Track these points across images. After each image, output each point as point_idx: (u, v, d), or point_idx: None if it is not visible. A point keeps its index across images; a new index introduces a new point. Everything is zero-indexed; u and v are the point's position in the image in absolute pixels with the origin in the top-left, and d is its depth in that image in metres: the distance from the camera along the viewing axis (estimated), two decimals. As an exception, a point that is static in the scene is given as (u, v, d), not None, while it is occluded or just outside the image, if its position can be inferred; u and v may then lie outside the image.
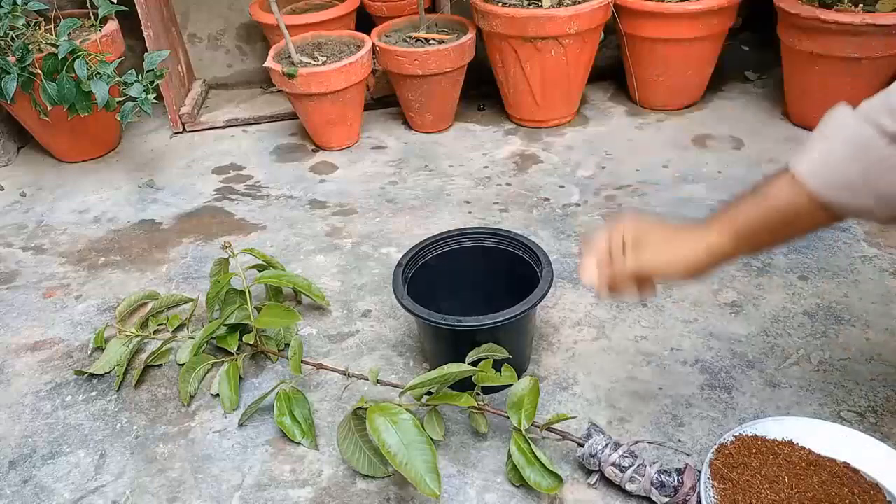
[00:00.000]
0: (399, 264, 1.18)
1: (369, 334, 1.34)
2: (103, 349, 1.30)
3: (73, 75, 1.69)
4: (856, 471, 0.92)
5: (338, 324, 1.37)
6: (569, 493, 1.00)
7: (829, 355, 1.20)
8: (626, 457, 0.96)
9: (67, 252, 1.68)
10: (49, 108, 1.73)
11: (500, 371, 1.08)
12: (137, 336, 1.32)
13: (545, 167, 1.88)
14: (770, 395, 1.13)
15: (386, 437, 0.93)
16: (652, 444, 1.05)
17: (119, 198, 1.90)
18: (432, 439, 0.98)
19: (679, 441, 1.07)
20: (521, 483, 1.00)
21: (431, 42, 2.01)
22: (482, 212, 1.69)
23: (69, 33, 1.74)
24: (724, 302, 1.33)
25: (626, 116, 2.11)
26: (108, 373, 1.27)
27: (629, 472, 0.95)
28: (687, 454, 1.04)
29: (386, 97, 2.23)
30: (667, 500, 0.94)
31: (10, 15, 1.73)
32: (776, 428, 0.97)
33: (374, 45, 2.00)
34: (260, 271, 1.36)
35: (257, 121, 2.26)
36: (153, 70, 1.74)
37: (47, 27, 1.92)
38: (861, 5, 1.76)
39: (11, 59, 1.73)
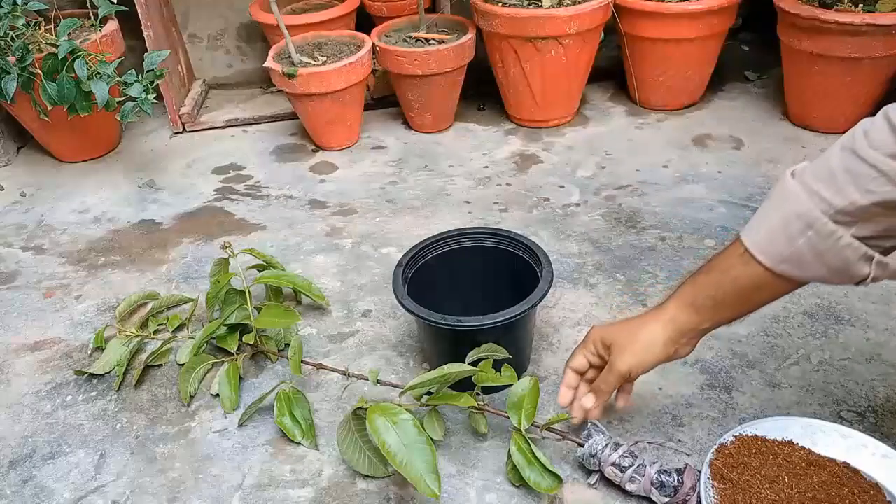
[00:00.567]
0: (399, 264, 1.18)
1: (369, 334, 1.34)
2: (103, 349, 1.30)
3: (73, 75, 1.69)
4: (856, 471, 0.92)
5: (338, 324, 1.37)
6: (569, 493, 1.00)
7: (829, 355, 1.20)
8: (626, 457, 0.96)
9: (67, 252, 1.68)
10: (49, 108, 1.73)
11: (500, 371, 1.08)
12: (137, 336, 1.32)
13: (545, 167, 1.88)
14: (770, 395, 1.13)
15: (386, 437, 0.93)
16: (652, 444, 1.05)
17: (119, 198, 1.90)
18: (432, 439, 0.97)
19: (679, 441, 1.07)
20: (520, 483, 1.00)
21: (431, 42, 2.01)
22: (482, 212, 1.69)
23: (69, 33, 1.74)
24: (724, 302, 1.33)
25: (626, 116, 2.11)
26: (108, 373, 1.27)
27: (629, 472, 0.95)
28: (687, 454, 1.04)
29: (386, 97, 2.23)
30: (667, 500, 0.94)
31: (10, 15, 1.73)
32: (776, 428, 0.97)
33: (374, 45, 2.00)
34: (260, 271, 1.36)
35: (257, 121, 2.26)
36: (153, 70, 1.74)
37: (47, 27, 1.92)
38: (861, 5, 1.76)
39: (11, 59, 1.73)
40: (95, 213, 1.83)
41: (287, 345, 1.28)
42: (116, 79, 1.72)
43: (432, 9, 2.29)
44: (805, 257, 0.76)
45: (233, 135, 2.20)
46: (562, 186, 1.78)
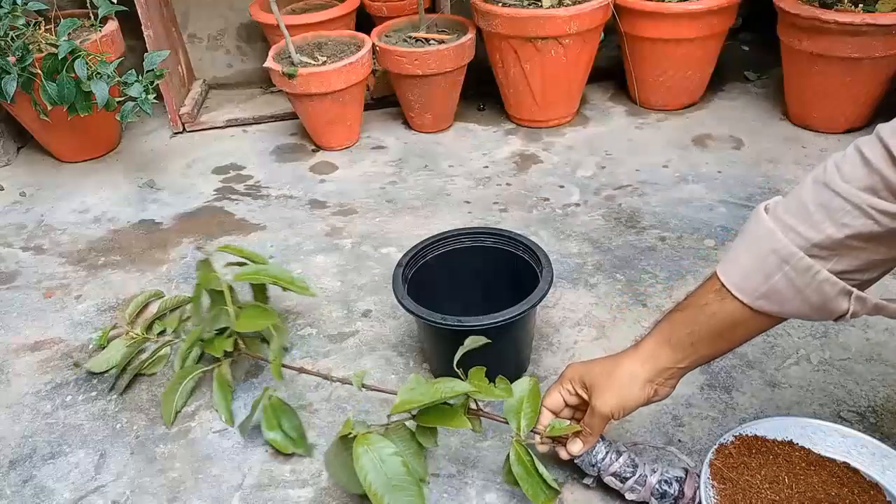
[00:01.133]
0: (399, 264, 1.18)
1: (369, 334, 1.34)
2: (105, 347, 1.30)
3: (73, 75, 1.69)
4: (856, 471, 0.92)
5: (338, 324, 1.37)
6: (568, 494, 1.00)
7: (829, 355, 1.20)
8: (628, 467, 0.95)
9: (67, 252, 1.68)
10: (49, 108, 1.73)
11: (494, 380, 1.05)
12: (143, 338, 1.31)
13: (545, 167, 1.88)
14: (770, 395, 1.13)
15: (372, 477, 0.88)
16: (652, 447, 1.04)
17: (119, 198, 1.90)
18: (424, 447, 0.96)
19: (679, 441, 1.07)
20: (517, 486, 0.99)
21: (431, 42, 2.01)
22: (482, 212, 1.69)
23: (69, 33, 1.74)
24: (724, 302, 1.33)
25: (626, 116, 2.11)
26: (105, 372, 1.27)
27: (630, 482, 0.94)
28: (686, 462, 1.04)
29: (386, 97, 2.23)
30: None
31: (10, 15, 1.73)
32: (776, 428, 0.97)
33: (374, 45, 2.00)
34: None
35: (257, 121, 2.26)
36: (153, 70, 1.74)
37: (47, 27, 1.92)
38: (861, 5, 1.76)
39: (11, 59, 1.73)
40: (95, 213, 1.83)
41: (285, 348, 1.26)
42: (116, 79, 1.72)
43: (432, 9, 2.29)
44: (783, 293, 0.75)
45: (233, 135, 2.20)
46: (562, 186, 1.78)
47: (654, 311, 1.32)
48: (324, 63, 1.93)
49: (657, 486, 0.94)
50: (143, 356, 1.29)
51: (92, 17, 1.97)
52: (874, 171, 0.68)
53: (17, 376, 1.32)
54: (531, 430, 0.96)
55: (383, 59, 1.99)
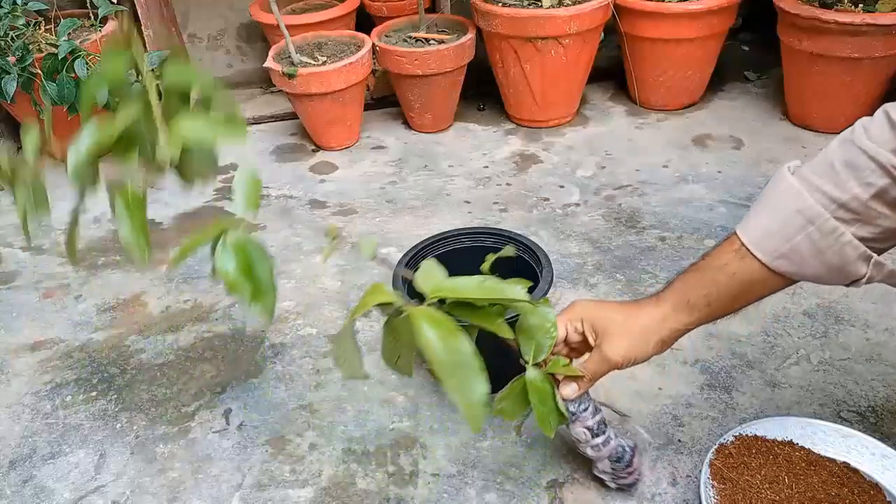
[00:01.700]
0: (399, 264, 1.18)
1: (369, 334, 1.34)
2: None
3: (73, 75, 1.69)
4: (856, 471, 0.92)
5: (338, 324, 1.37)
6: (569, 494, 1.00)
7: (829, 355, 1.20)
8: (602, 425, 0.94)
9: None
10: (49, 108, 1.73)
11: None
12: None
13: (545, 167, 1.88)
14: (770, 395, 1.13)
15: (439, 351, 0.77)
16: (617, 412, 1.02)
17: (119, 198, 1.90)
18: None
19: (679, 441, 1.07)
20: (508, 416, 0.91)
21: (431, 42, 2.01)
22: (482, 212, 1.69)
23: (69, 33, 1.74)
24: (724, 302, 1.33)
25: (626, 116, 2.11)
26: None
27: (598, 439, 0.94)
28: (687, 454, 1.04)
29: (386, 97, 2.23)
30: (611, 472, 0.95)
31: (10, 15, 1.73)
32: (776, 428, 0.97)
33: (374, 45, 2.00)
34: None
35: (257, 121, 2.26)
36: (153, 70, 1.74)
37: (47, 27, 1.92)
38: (861, 5, 1.76)
39: (11, 59, 1.73)
40: (95, 213, 1.83)
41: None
42: (116, 79, 1.72)
43: (432, 9, 2.29)
44: (804, 254, 0.76)
45: (233, 135, 2.20)
46: (562, 186, 1.78)
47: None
48: (324, 63, 1.93)
49: (616, 448, 0.95)
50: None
51: (92, 17, 1.97)
52: None
53: (16, 376, 1.32)
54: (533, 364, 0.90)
55: (383, 59, 1.99)
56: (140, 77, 0.78)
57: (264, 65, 1.95)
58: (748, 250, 0.79)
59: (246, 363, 1.29)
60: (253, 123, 2.25)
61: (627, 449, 0.95)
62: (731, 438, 0.96)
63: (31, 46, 1.77)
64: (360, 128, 2.10)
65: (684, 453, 1.05)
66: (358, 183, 1.88)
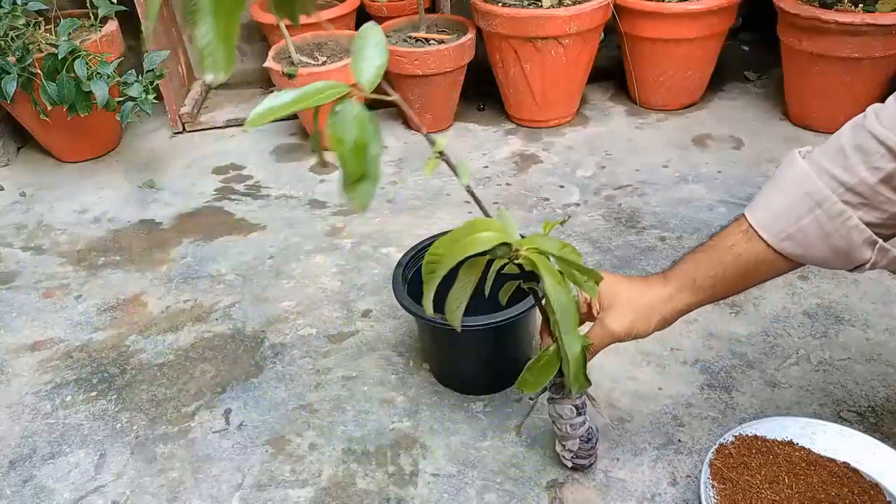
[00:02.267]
0: (399, 264, 1.18)
1: (369, 334, 1.34)
2: None
3: (73, 75, 1.69)
4: (856, 471, 0.92)
5: (338, 324, 1.37)
6: (568, 494, 1.00)
7: (829, 355, 1.20)
8: (584, 405, 0.96)
9: (67, 252, 1.68)
10: (49, 108, 1.73)
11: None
12: None
13: (545, 167, 1.88)
14: (770, 395, 1.13)
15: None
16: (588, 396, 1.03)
17: (119, 198, 1.90)
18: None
19: (679, 441, 1.07)
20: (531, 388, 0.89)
21: (431, 42, 2.01)
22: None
23: (69, 33, 1.74)
24: (724, 302, 1.33)
25: (626, 116, 2.11)
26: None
27: (580, 418, 0.96)
28: (687, 454, 1.04)
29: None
30: (576, 451, 0.98)
31: (10, 15, 1.73)
32: (776, 428, 0.97)
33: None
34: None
35: (257, 121, 2.25)
36: (153, 70, 1.75)
37: (47, 27, 1.92)
38: (861, 5, 1.76)
39: (11, 59, 1.73)
40: (95, 213, 1.83)
41: None
42: (116, 79, 1.72)
43: (432, 9, 2.29)
44: (810, 236, 0.77)
45: (233, 135, 2.20)
46: (562, 186, 1.78)
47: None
48: (324, 63, 1.93)
49: (588, 430, 0.98)
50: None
51: (92, 17, 1.97)
52: None
53: (16, 376, 1.32)
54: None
55: (383, 59, 1.99)
56: None
57: (264, 65, 1.95)
58: (755, 231, 0.81)
59: (246, 363, 1.29)
60: (253, 123, 2.25)
61: (595, 431, 0.99)
62: (731, 438, 0.96)
63: (31, 46, 1.77)
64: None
65: (684, 453, 1.05)
66: (358, 183, 1.87)
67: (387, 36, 2.08)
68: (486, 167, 1.89)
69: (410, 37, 2.05)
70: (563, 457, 1.01)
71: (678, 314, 0.89)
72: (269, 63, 1.93)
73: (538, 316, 1.29)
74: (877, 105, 0.75)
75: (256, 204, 1.82)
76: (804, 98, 1.92)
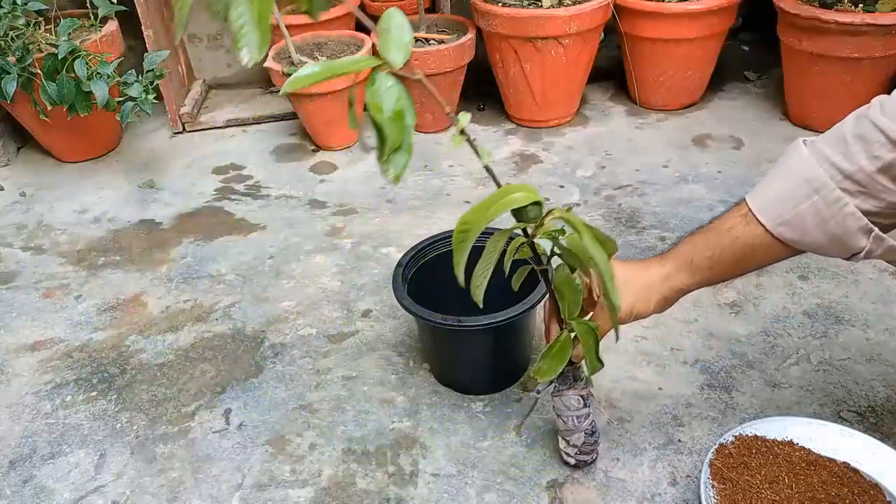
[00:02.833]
0: (399, 264, 1.18)
1: (369, 334, 1.34)
2: None
3: (73, 75, 1.69)
4: (856, 471, 0.92)
5: (338, 324, 1.37)
6: (568, 494, 1.00)
7: (829, 355, 1.20)
8: (588, 397, 0.97)
9: (67, 252, 1.68)
10: (49, 108, 1.73)
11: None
12: None
13: (545, 167, 1.88)
14: (770, 395, 1.13)
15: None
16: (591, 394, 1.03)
17: (119, 198, 1.90)
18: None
19: (679, 441, 1.07)
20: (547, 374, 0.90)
21: (431, 42, 2.01)
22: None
23: (69, 33, 1.74)
24: (724, 302, 1.33)
25: (626, 116, 2.11)
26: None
27: (586, 410, 0.97)
28: (687, 454, 1.04)
29: (386, 97, 2.23)
30: (580, 446, 0.98)
31: (10, 15, 1.73)
32: (776, 428, 0.97)
33: (374, 45, 2.00)
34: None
35: (257, 121, 2.26)
36: (153, 70, 1.75)
37: (47, 27, 1.92)
38: (861, 5, 1.76)
39: (11, 59, 1.73)
40: (95, 213, 1.83)
41: None
42: (116, 79, 1.72)
43: (432, 9, 2.29)
44: (807, 222, 0.78)
45: (233, 135, 2.20)
46: (562, 186, 1.78)
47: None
48: (324, 63, 1.93)
49: (591, 423, 0.99)
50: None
51: (92, 17, 1.97)
52: None
53: (16, 376, 1.32)
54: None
55: (383, 59, 1.99)
56: None
57: (264, 65, 1.95)
58: (754, 216, 0.82)
59: (246, 363, 1.29)
60: (253, 123, 2.25)
61: (596, 425, 1.00)
62: (731, 438, 0.96)
63: (31, 46, 1.77)
64: (360, 128, 2.10)
65: (684, 453, 1.05)
66: (358, 183, 1.88)
67: (387, 36, 2.08)
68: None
69: (410, 37, 2.05)
70: (567, 453, 1.01)
71: (677, 293, 0.90)
72: (269, 63, 1.93)
73: (538, 316, 1.29)
74: (882, 96, 0.76)
75: (256, 204, 1.82)
76: (804, 98, 1.92)
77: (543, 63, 1.94)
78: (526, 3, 1.96)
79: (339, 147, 2.05)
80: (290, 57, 1.94)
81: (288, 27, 1.93)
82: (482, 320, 1.04)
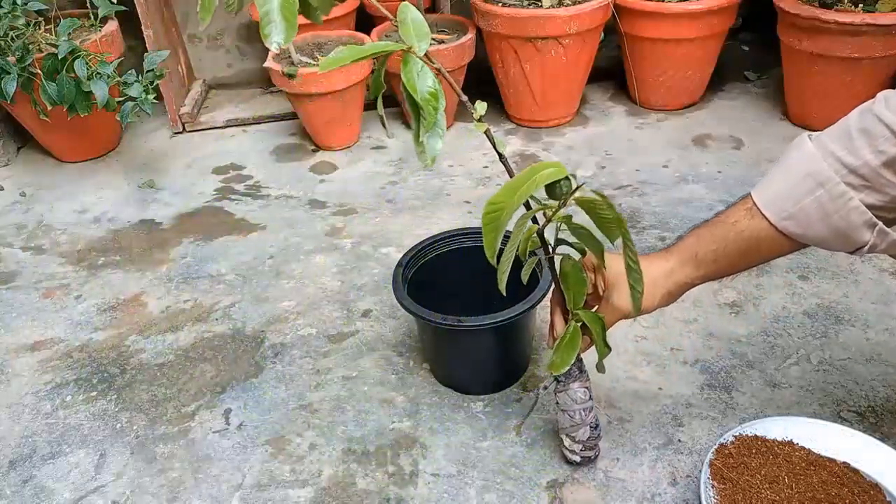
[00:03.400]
0: (399, 264, 1.18)
1: (369, 334, 1.34)
2: None
3: (73, 75, 1.69)
4: (856, 471, 0.92)
5: (338, 324, 1.37)
6: (568, 493, 1.00)
7: (829, 355, 1.20)
8: (591, 390, 0.98)
9: (67, 252, 1.68)
10: (49, 108, 1.73)
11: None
12: None
13: (545, 167, 1.87)
14: (770, 395, 1.13)
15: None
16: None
17: (119, 198, 1.90)
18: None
19: (679, 441, 1.07)
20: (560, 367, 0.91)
21: (431, 42, 2.01)
22: (482, 212, 1.69)
23: (69, 33, 1.74)
24: (724, 302, 1.33)
25: (626, 116, 2.11)
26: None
27: (589, 402, 0.98)
28: (687, 454, 1.04)
29: (386, 97, 2.23)
30: (585, 441, 0.99)
31: (10, 15, 1.73)
32: (776, 428, 0.97)
33: (374, 45, 2.00)
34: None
35: (257, 121, 2.26)
36: (153, 70, 1.74)
37: (47, 27, 1.92)
38: (861, 5, 1.76)
39: (11, 59, 1.73)
40: (95, 213, 1.83)
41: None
42: (116, 79, 1.72)
43: (432, 9, 2.29)
44: (811, 216, 0.78)
45: (233, 135, 2.20)
46: (562, 186, 1.77)
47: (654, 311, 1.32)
48: (324, 63, 1.93)
49: (595, 416, 0.99)
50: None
51: (92, 17, 1.97)
52: None
53: (16, 376, 1.32)
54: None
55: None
56: None
57: (264, 65, 1.95)
58: (758, 209, 0.82)
59: (246, 363, 1.29)
60: (253, 123, 2.25)
61: (598, 419, 1.00)
62: (731, 438, 0.96)
63: (31, 46, 1.77)
64: (360, 128, 2.10)
65: (684, 453, 1.05)
66: (358, 183, 1.88)
67: (386, 36, 2.08)
68: (486, 167, 1.89)
69: (410, 37, 2.05)
70: (572, 451, 1.01)
71: (681, 288, 0.89)
72: (269, 63, 1.93)
73: (538, 316, 1.29)
74: (888, 91, 0.76)
75: (256, 204, 1.82)
76: (804, 98, 1.92)
77: (543, 63, 1.94)
78: (526, 3, 1.96)
79: (339, 147, 2.05)
80: (290, 57, 1.94)
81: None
82: (482, 320, 1.04)
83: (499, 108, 2.17)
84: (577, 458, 1.01)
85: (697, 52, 2.01)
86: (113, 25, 2.02)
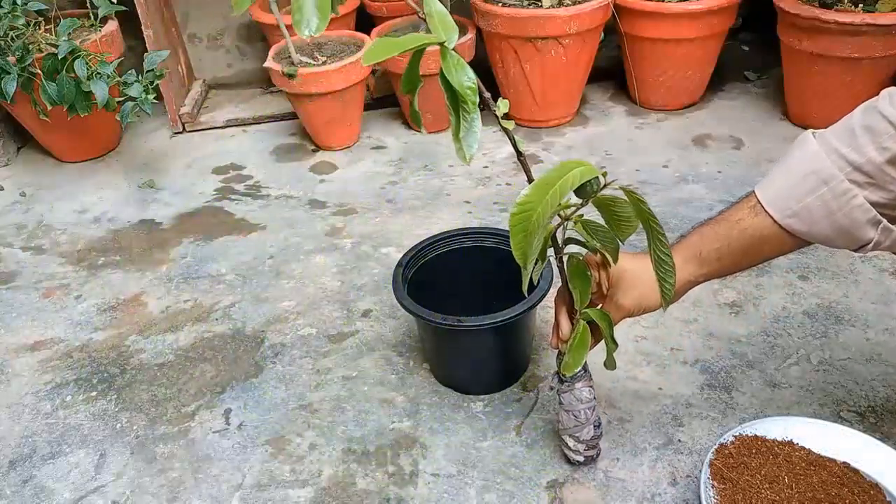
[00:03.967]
0: (399, 264, 1.18)
1: (369, 334, 1.34)
2: None
3: (73, 75, 1.69)
4: (856, 471, 0.92)
5: (338, 324, 1.37)
6: (568, 493, 1.00)
7: (829, 355, 1.20)
8: (594, 390, 0.99)
9: (67, 252, 1.68)
10: (49, 108, 1.73)
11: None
12: None
13: (545, 167, 1.87)
14: (770, 395, 1.13)
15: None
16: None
17: (119, 198, 1.90)
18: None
19: (679, 441, 1.07)
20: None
21: (431, 42, 2.01)
22: (482, 212, 1.69)
23: (69, 33, 1.74)
24: (724, 302, 1.33)
25: (626, 116, 2.11)
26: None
27: (594, 401, 0.98)
28: (687, 454, 1.04)
29: (386, 97, 2.23)
30: (588, 441, 0.99)
31: (10, 15, 1.73)
32: (776, 428, 0.97)
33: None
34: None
35: (257, 121, 2.26)
36: (153, 70, 1.74)
37: (47, 27, 1.92)
38: (861, 5, 1.76)
39: (11, 59, 1.73)
40: (95, 213, 1.83)
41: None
42: (116, 79, 1.72)
43: (432, 9, 2.28)
44: (815, 214, 0.78)
45: (233, 135, 2.20)
46: (562, 186, 1.77)
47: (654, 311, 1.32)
48: (324, 63, 1.93)
49: (598, 416, 1.00)
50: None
51: (92, 17, 1.97)
52: None
53: (16, 376, 1.32)
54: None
55: (383, 59, 1.99)
56: None
57: (264, 65, 1.95)
58: (762, 207, 0.82)
59: (246, 363, 1.29)
60: (253, 123, 2.25)
61: (600, 422, 1.01)
62: (731, 438, 0.96)
63: (31, 46, 1.77)
64: (360, 128, 2.10)
65: (684, 453, 1.05)
66: (358, 183, 1.88)
67: (387, 36, 2.08)
68: (486, 167, 1.89)
69: (410, 37, 2.05)
70: (576, 451, 1.01)
71: (686, 285, 0.89)
72: (269, 63, 1.93)
73: (538, 316, 1.29)
74: (892, 88, 0.76)
75: (256, 204, 1.82)
76: (804, 98, 1.92)
77: (543, 63, 1.94)
78: (526, 3, 1.96)
79: (339, 147, 2.05)
80: (290, 57, 1.94)
81: (288, 27, 1.93)
82: (482, 320, 1.04)
83: (499, 108, 2.17)
84: (581, 458, 1.01)
85: (697, 52, 2.01)
86: (113, 25, 2.02)
